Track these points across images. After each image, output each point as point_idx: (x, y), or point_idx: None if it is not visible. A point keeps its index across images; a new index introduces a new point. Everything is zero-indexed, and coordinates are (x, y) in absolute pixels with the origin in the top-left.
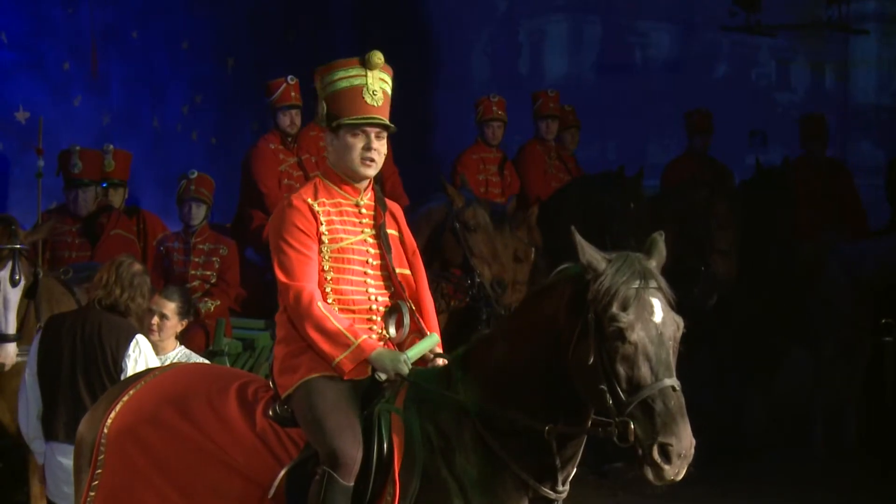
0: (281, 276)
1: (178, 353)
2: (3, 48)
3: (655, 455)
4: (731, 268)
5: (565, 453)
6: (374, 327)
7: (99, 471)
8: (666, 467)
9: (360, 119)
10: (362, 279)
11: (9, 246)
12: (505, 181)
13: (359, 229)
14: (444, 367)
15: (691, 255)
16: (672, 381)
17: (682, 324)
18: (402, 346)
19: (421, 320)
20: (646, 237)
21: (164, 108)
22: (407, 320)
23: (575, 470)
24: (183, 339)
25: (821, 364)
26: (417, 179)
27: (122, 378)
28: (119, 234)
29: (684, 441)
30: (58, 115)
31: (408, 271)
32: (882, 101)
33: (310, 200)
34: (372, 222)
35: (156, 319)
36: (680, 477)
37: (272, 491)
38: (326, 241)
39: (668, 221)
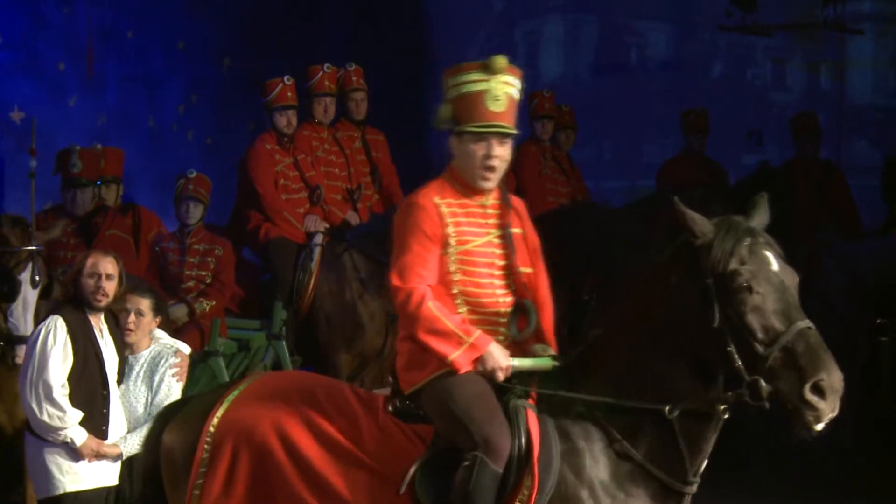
0: (393, 278)
1: (150, 352)
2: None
3: (809, 395)
4: None
5: (691, 440)
6: (501, 329)
7: (203, 469)
8: (822, 405)
9: (481, 127)
10: (489, 280)
11: (27, 248)
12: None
13: (485, 230)
14: (565, 368)
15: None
16: (806, 321)
17: (796, 275)
18: (525, 344)
19: (546, 318)
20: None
21: (160, 108)
22: (533, 319)
23: (706, 462)
24: (177, 339)
25: None
26: (413, 179)
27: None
28: (115, 234)
29: (833, 374)
30: (54, 115)
31: (531, 270)
32: (877, 100)
33: (437, 200)
34: (498, 222)
35: (132, 317)
36: (836, 413)
37: (404, 486)
38: (453, 243)
39: (664, 222)
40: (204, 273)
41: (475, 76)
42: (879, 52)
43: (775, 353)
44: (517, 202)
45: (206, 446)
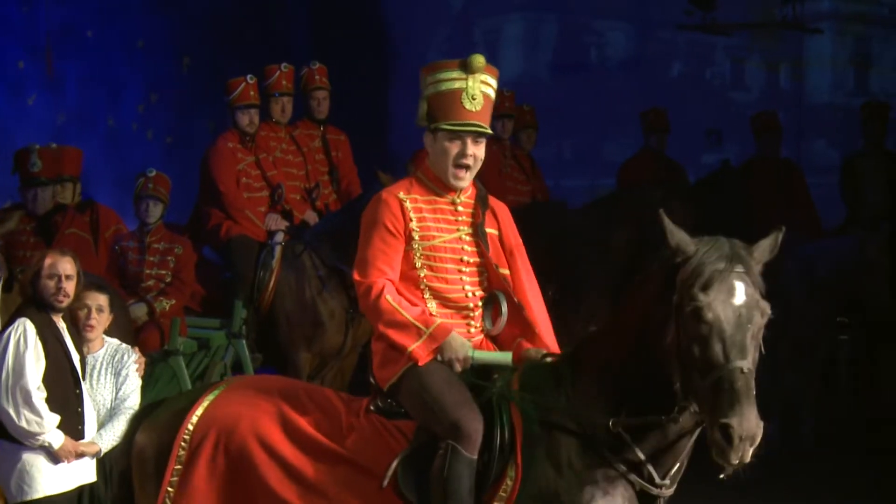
0: (355, 273)
1: (107, 349)
2: None
3: (717, 436)
4: None
5: (647, 447)
6: (473, 322)
7: (178, 466)
8: (727, 450)
9: (457, 125)
10: (457, 276)
11: None
12: None
13: (454, 227)
14: (554, 364)
15: (646, 255)
16: (743, 363)
17: (767, 310)
18: (500, 338)
19: (530, 315)
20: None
21: (120, 107)
22: (504, 310)
23: (680, 466)
24: (137, 338)
25: (777, 363)
26: (374, 179)
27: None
28: (74, 233)
29: (745, 423)
30: (12, 114)
31: (507, 271)
32: (836, 100)
33: (402, 195)
34: (469, 220)
35: (93, 314)
36: (746, 460)
37: (386, 480)
38: (417, 238)
39: (623, 221)
40: (164, 272)
41: (453, 74)
42: (838, 51)
43: (706, 385)
44: (498, 205)
45: (182, 444)
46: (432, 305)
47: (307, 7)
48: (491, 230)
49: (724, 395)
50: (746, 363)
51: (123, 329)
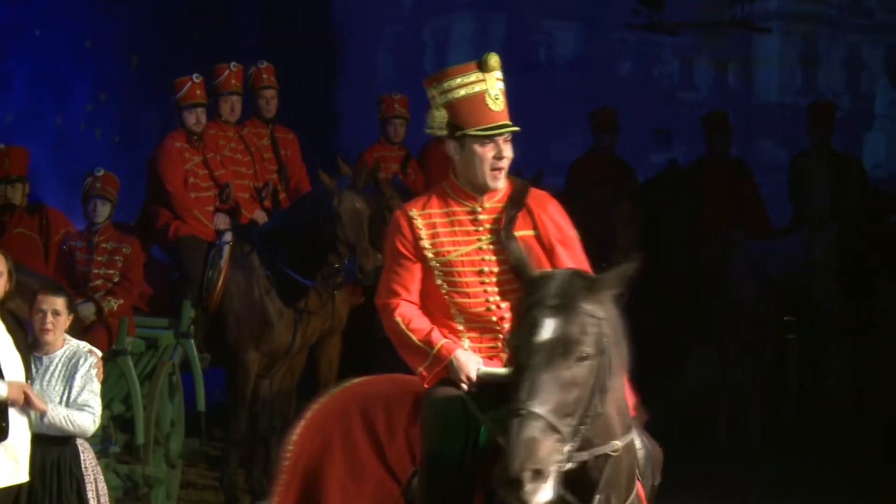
0: (376, 296)
1: (65, 351)
2: None
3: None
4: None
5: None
6: (501, 335)
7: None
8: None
9: (490, 129)
10: (478, 289)
11: None
12: (408, 178)
13: (473, 238)
14: None
15: (595, 254)
16: (522, 404)
17: (584, 339)
18: None
19: None
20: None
21: (68, 107)
22: None
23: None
24: (85, 337)
25: (725, 362)
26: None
27: None
28: (21, 232)
29: (504, 468)
30: None
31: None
32: (784, 99)
33: (413, 213)
34: (491, 227)
35: (49, 318)
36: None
37: (400, 490)
38: (430, 256)
39: (572, 220)
40: (112, 272)
41: (472, 77)
42: (787, 50)
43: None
44: (538, 201)
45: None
46: (459, 322)
47: (255, 6)
48: (523, 232)
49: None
50: (528, 404)
51: (72, 329)
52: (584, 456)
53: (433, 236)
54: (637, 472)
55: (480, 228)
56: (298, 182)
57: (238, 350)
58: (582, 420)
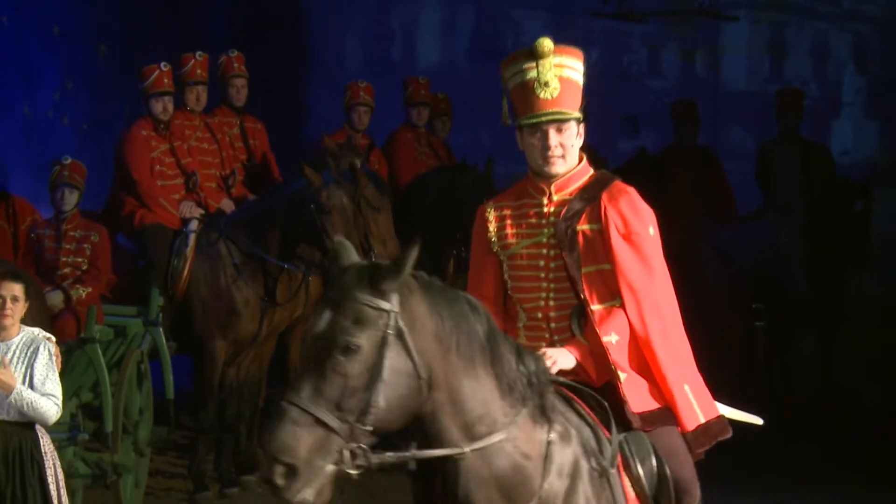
0: None
1: (22, 338)
2: None
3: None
4: None
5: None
6: (554, 335)
7: None
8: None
9: (532, 118)
10: (534, 284)
11: None
12: (371, 167)
13: (537, 230)
14: None
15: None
16: (286, 396)
17: (355, 331)
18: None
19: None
20: None
21: (36, 94)
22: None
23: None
24: (53, 325)
25: (693, 349)
26: (292, 164)
27: None
28: None
29: (270, 442)
30: None
31: (605, 266)
32: (752, 87)
33: (490, 206)
34: (554, 220)
35: (8, 304)
36: (272, 479)
37: None
38: (497, 249)
39: None
40: (80, 259)
41: (524, 64)
42: (754, 38)
43: None
44: (612, 193)
45: None
46: (521, 319)
47: None
48: (588, 225)
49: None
50: (291, 397)
51: (39, 317)
52: (390, 458)
53: (501, 228)
54: (543, 481)
55: (544, 221)
56: (266, 171)
57: (204, 338)
58: (361, 417)
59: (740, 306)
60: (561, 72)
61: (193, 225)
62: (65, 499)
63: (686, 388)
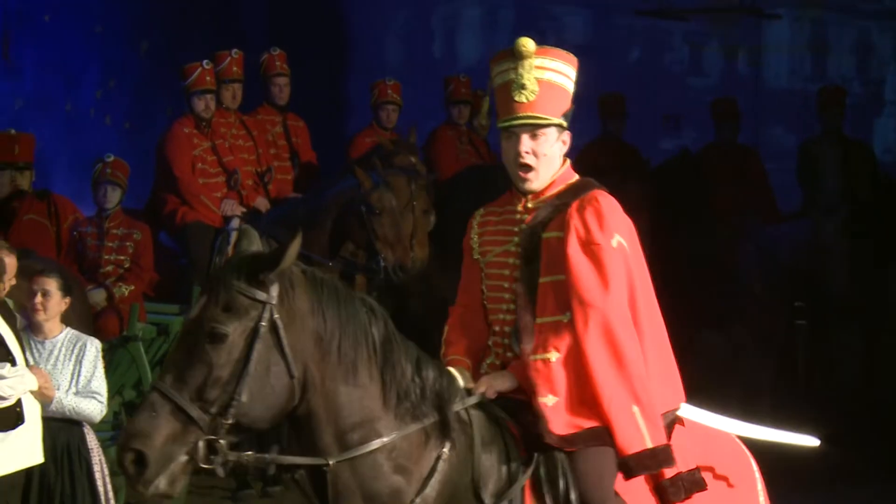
0: None
1: (66, 336)
2: None
3: None
4: (645, 250)
5: None
6: (504, 353)
7: None
8: None
9: (506, 121)
10: (498, 294)
11: None
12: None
13: (508, 238)
14: None
15: None
16: (154, 383)
17: (224, 319)
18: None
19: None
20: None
21: (78, 93)
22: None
23: None
24: (96, 323)
25: (734, 348)
26: (332, 163)
27: None
28: (32, 218)
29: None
30: None
31: (561, 277)
32: (794, 85)
33: (479, 211)
34: (524, 227)
35: (39, 297)
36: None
37: None
38: (476, 257)
39: None
40: (122, 257)
41: (507, 65)
42: (796, 36)
43: None
44: (583, 201)
45: None
46: (491, 332)
47: None
48: (553, 233)
49: None
50: (158, 384)
51: (82, 315)
52: (248, 458)
53: (482, 235)
54: (416, 496)
55: (516, 229)
56: (308, 169)
57: None
58: (223, 410)
59: (782, 304)
60: (542, 74)
61: (235, 223)
62: (111, 494)
63: (635, 409)
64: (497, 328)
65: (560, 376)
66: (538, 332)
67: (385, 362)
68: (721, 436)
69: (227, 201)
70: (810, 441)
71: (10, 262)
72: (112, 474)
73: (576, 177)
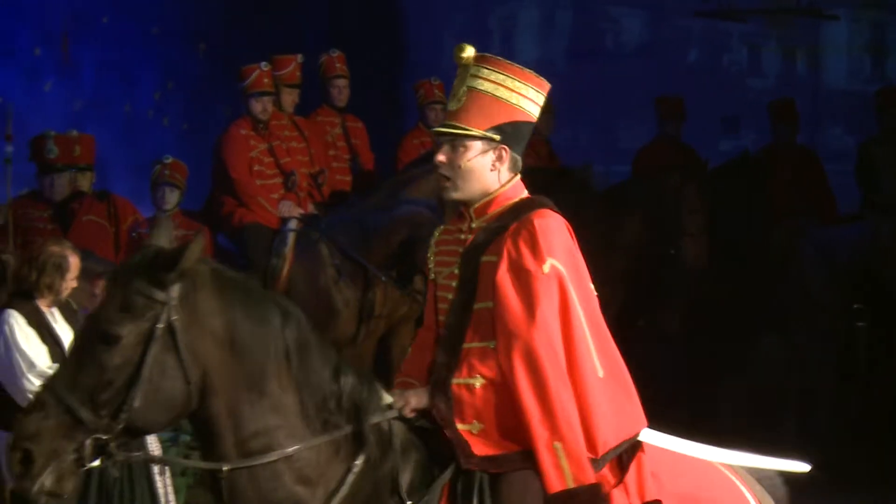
0: None
1: None
2: None
3: None
4: (702, 252)
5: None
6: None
7: None
8: None
9: (435, 130)
10: (443, 319)
11: None
12: None
13: (454, 260)
14: None
15: (661, 241)
16: (48, 381)
17: (119, 319)
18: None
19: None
20: (598, 231)
21: (136, 94)
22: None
23: None
24: None
25: (793, 350)
26: (389, 164)
27: None
28: (91, 219)
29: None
30: (29, 101)
31: (490, 304)
32: (852, 86)
33: (440, 228)
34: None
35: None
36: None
37: None
38: (433, 276)
39: (638, 206)
40: None
41: (458, 71)
42: (854, 37)
43: None
44: (523, 223)
45: None
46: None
47: None
48: (490, 257)
49: None
50: (51, 380)
51: None
52: (138, 458)
53: (437, 254)
54: None
55: (461, 250)
56: (366, 171)
57: None
58: (114, 413)
59: (841, 306)
60: (473, 83)
61: (292, 224)
62: (171, 496)
63: (556, 446)
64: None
65: (485, 402)
66: (464, 357)
67: (299, 368)
68: (710, 468)
69: (285, 203)
70: (800, 467)
71: (74, 261)
72: (172, 475)
73: (523, 194)
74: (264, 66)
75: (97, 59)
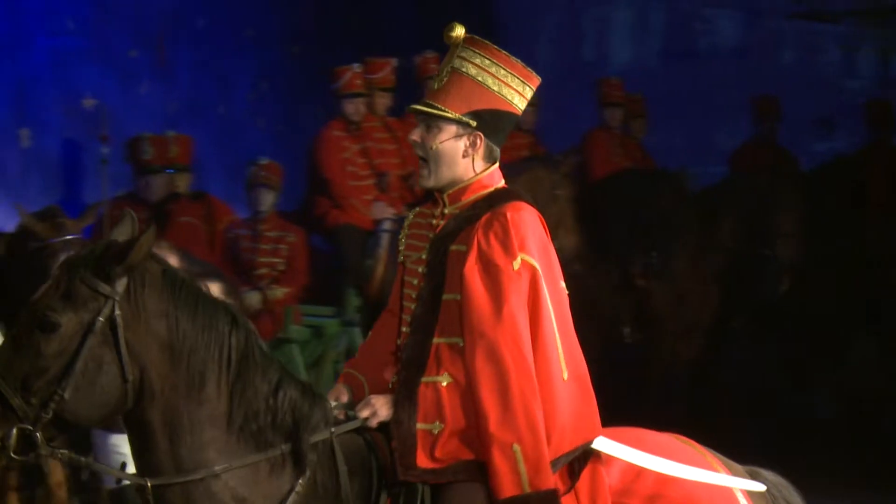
0: None
1: None
2: (70, 35)
3: None
4: (797, 252)
5: None
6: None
7: None
8: None
9: (411, 108)
10: (408, 304)
11: (59, 239)
12: None
13: (423, 245)
14: None
15: (757, 241)
16: None
17: (60, 307)
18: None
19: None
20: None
21: (231, 96)
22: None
23: None
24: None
25: (890, 352)
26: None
27: None
28: (187, 220)
29: None
30: (124, 103)
31: (458, 296)
32: None
33: (415, 210)
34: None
35: None
36: None
37: None
38: (402, 259)
39: (733, 207)
40: (277, 260)
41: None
42: None
43: None
44: (495, 214)
45: None
46: (396, 344)
47: None
48: (458, 247)
49: None
50: None
51: None
52: (62, 456)
53: (409, 237)
54: None
55: (431, 235)
56: None
57: None
58: (44, 403)
59: None
60: (458, 64)
61: (386, 225)
62: None
63: (515, 448)
64: (399, 342)
65: (448, 402)
66: (433, 353)
67: (237, 379)
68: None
69: (378, 204)
70: (756, 486)
71: (173, 262)
72: None
73: (500, 184)
74: (357, 67)
75: (191, 61)
